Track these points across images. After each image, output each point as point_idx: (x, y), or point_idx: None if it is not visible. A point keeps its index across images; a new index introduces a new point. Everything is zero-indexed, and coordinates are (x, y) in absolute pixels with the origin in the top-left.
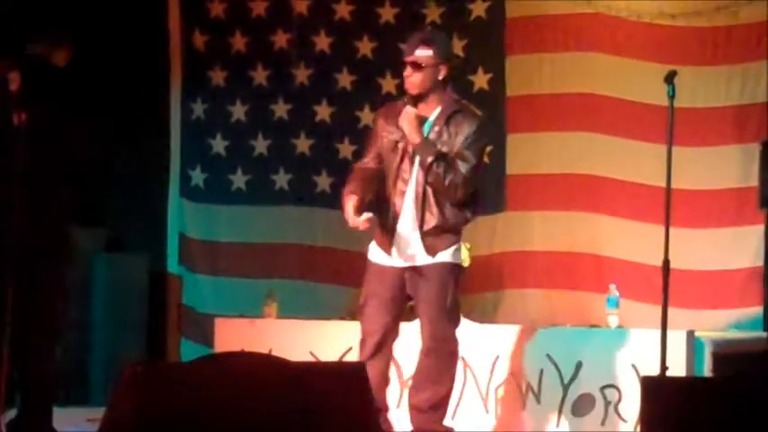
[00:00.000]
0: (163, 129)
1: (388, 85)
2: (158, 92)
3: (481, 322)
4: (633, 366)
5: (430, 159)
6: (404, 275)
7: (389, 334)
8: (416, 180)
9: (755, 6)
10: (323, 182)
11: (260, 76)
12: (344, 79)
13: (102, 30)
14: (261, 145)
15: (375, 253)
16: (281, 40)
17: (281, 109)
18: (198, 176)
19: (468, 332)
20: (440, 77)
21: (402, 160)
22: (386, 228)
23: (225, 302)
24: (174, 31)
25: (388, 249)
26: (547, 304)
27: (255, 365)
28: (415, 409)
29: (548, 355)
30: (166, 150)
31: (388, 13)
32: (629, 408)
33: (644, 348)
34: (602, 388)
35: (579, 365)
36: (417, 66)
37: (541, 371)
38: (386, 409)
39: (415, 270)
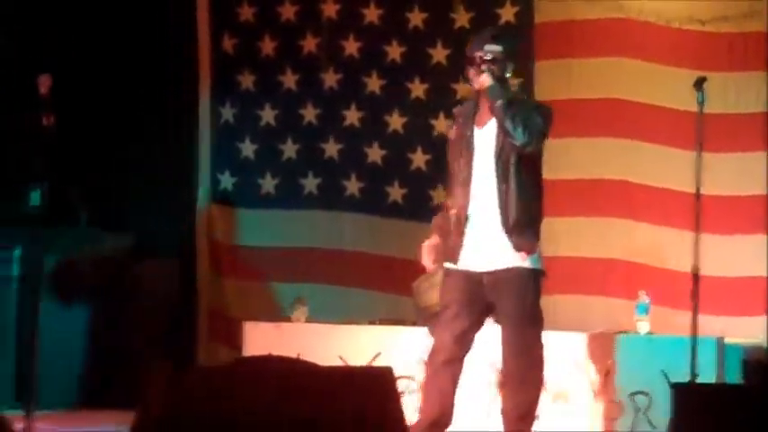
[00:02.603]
0: (192, 133)
1: (416, 89)
2: (188, 96)
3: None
4: (663, 373)
5: (500, 102)
6: (482, 281)
7: (464, 344)
8: (494, 175)
9: None
10: (352, 186)
11: (289, 80)
12: (373, 83)
13: (131, 34)
14: (290, 149)
15: (450, 258)
16: (310, 44)
17: (310, 113)
18: (227, 180)
19: (497, 337)
20: (507, 74)
21: (474, 157)
22: (461, 230)
23: (254, 306)
24: (204, 35)
25: (464, 253)
26: (576, 310)
27: (284, 369)
28: (504, 414)
29: (577, 361)
30: (196, 154)
31: (416, 18)
32: (658, 414)
33: (674, 355)
34: (632, 394)
35: (609, 372)
36: (487, 60)
37: (571, 377)
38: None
39: (494, 275)
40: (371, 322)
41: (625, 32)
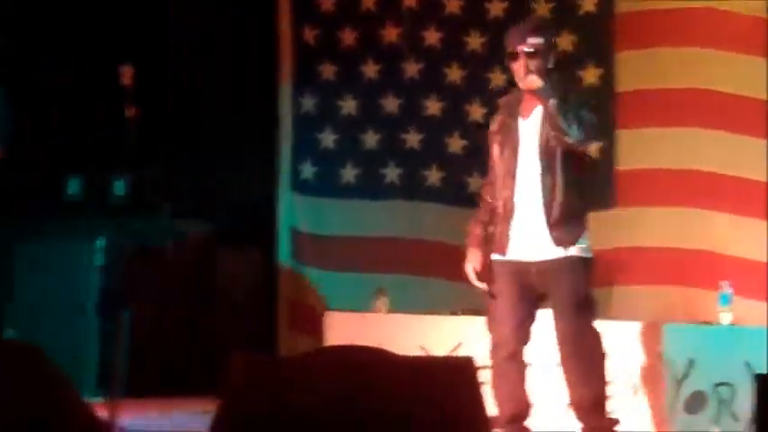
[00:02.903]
0: (273, 123)
1: (497, 79)
2: (269, 86)
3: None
4: (747, 364)
5: (553, 101)
6: (531, 271)
7: (521, 336)
8: (539, 167)
9: None
10: (432, 176)
11: (370, 70)
12: (454, 73)
13: (212, 25)
14: (371, 139)
15: (498, 250)
16: (390, 34)
17: (390, 103)
18: (308, 170)
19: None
20: (549, 66)
21: (519, 148)
22: (508, 220)
23: (335, 296)
24: (285, 25)
25: (511, 244)
26: (657, 301)
27: (365, 359)
28: (573, 407)
29: (659, 353)
30: (277, 144)
31: (497, 8)
32: (742, 406)
33: (757, 346)
34: (716, 386)
35: (692, 363)
36: (531, 54)
37: (653, 368)
38: (527, 412)
39: (543, 264)
40: (452, 312)
41: (707, 22)
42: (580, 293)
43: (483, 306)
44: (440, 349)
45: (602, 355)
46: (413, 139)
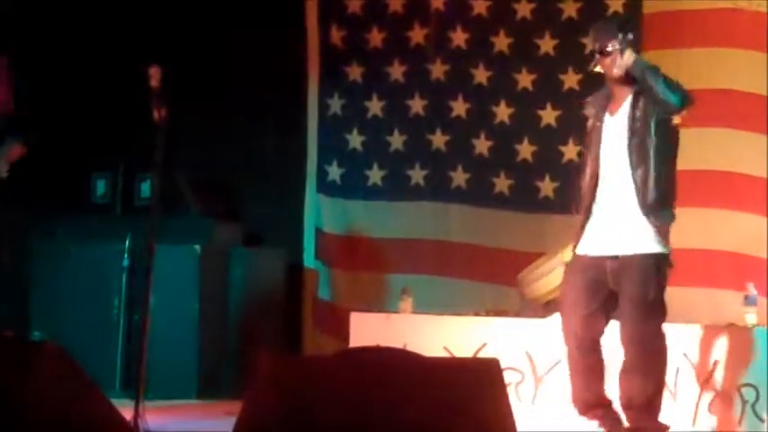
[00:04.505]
0: (300, 124)
1: (523, 80)
2: (296, 88)
3: (613, 319)
4: None
5: (650, 69)
6: (606, 267)
7: (590, 328)
8: (628, 160)
9: None
10: (458, 177)
11: (396, 71)
12: (481, 75)
13: (241, 27)
14: (397, 140)
15: (575, 244)
16: (417, 35)
17: (417, 104)
18: (335, 172)
19: None
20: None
21: (602, 147)
22: (587, 216)
23: (360, 297)
24: (312, 27)
25: (587, 239)
26: (682, 302)
27: (390, 360)
28: (624, 407)
29: (684, 354)
30: (304, 146)
31: (524, 9)
32: (766, 407)
33: None
34: (740, 387)
35: (716, 364)
36: (618, 49)
37: (677, 369)
38: (607, 403)
39: (619, 261)
40: (476, 313)
41: (735, 23)
42: (651, 293)
43: (507, 307)
44: (464, 350)
45: (661, 359)
46: (439, 140)
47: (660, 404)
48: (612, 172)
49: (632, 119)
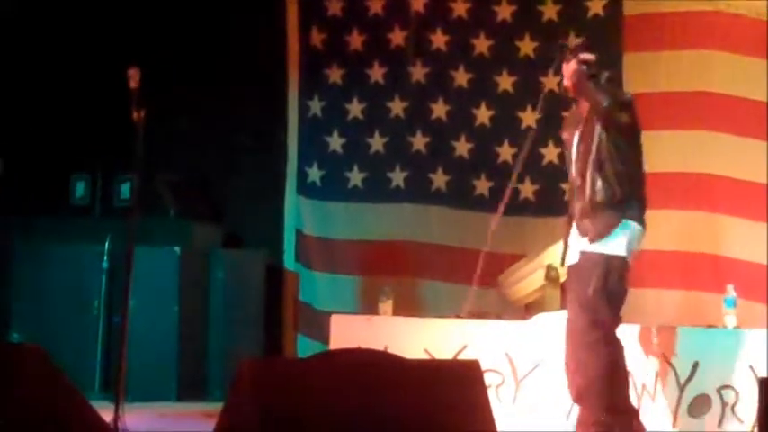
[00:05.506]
0: (280, 126)
1: (504, 82)
2: (276, 90)
3: None
4: (751, 367)
5: (605, 103)
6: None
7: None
8: (578, 173)
9: None
10: (438, 179)
11: (376, 73)
12: (461, 77)
13: (221, 29)
14: (377, 142)
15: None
16: (397, 37)
17: (397, 106)
18: (315, 173)
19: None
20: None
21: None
22: (568, 230)
23: (340, 299)
24: (293, 29)
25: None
26: (662, 304)
27: (371, 362)
28: (574, 400)
29: (664, 355)
30: (284, 147)
31: (504, 11)
32: (746, 409)
33: (762, 349)
34: (720, 389)
35: (696, 366)
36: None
37: (657, 371)
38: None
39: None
40: (457, 315)
41: (715, 25)
42: (590, 290)
43: (487, 309)
44: (444, 352)
45: (598, 352)
46: (419, 142)
47: (599, 398)
48: (575, 182)
49: (582, 128)
